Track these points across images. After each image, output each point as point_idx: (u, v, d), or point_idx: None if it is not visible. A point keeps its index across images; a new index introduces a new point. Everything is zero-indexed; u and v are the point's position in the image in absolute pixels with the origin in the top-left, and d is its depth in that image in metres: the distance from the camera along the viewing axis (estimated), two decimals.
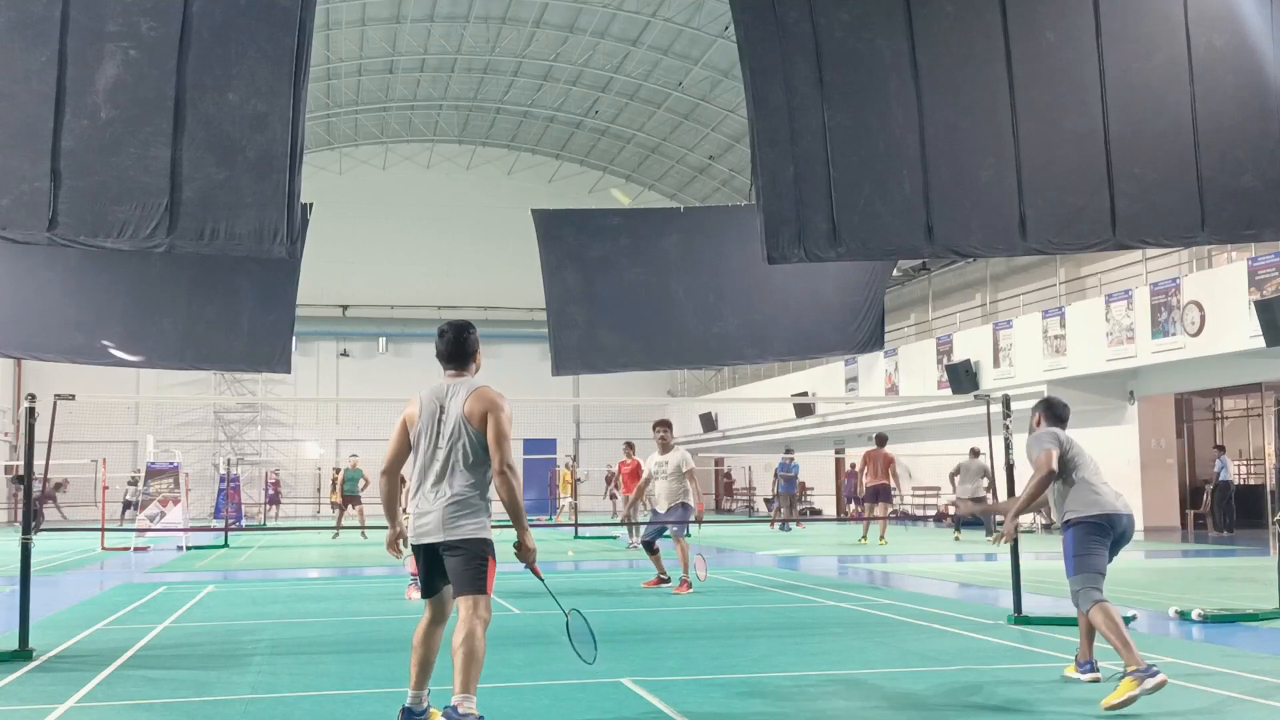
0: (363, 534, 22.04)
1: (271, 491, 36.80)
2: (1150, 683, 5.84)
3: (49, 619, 10.21)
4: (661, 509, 12.35)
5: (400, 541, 5.61)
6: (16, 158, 7.61)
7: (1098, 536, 6.58)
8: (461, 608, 5.14)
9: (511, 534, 5.33)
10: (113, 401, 35.98)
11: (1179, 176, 8.69)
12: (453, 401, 5.29)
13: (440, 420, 5.29)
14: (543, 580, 5.57)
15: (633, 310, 12.95)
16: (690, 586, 12.08)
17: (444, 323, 5.56)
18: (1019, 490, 10.49)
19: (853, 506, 33.96)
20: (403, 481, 5.76)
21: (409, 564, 13.45)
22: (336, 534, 24.22)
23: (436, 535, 5.19)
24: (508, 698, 6.25)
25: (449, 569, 5.22)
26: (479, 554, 5.17)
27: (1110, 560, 6.65)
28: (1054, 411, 7.18)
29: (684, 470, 12.22)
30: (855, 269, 12.59)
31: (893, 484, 21.21)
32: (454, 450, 5.23)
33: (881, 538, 20.82)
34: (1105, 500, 6.60)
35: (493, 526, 5.30)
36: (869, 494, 21.26)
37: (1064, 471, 6.69)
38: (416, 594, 11.80)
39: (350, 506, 24.54)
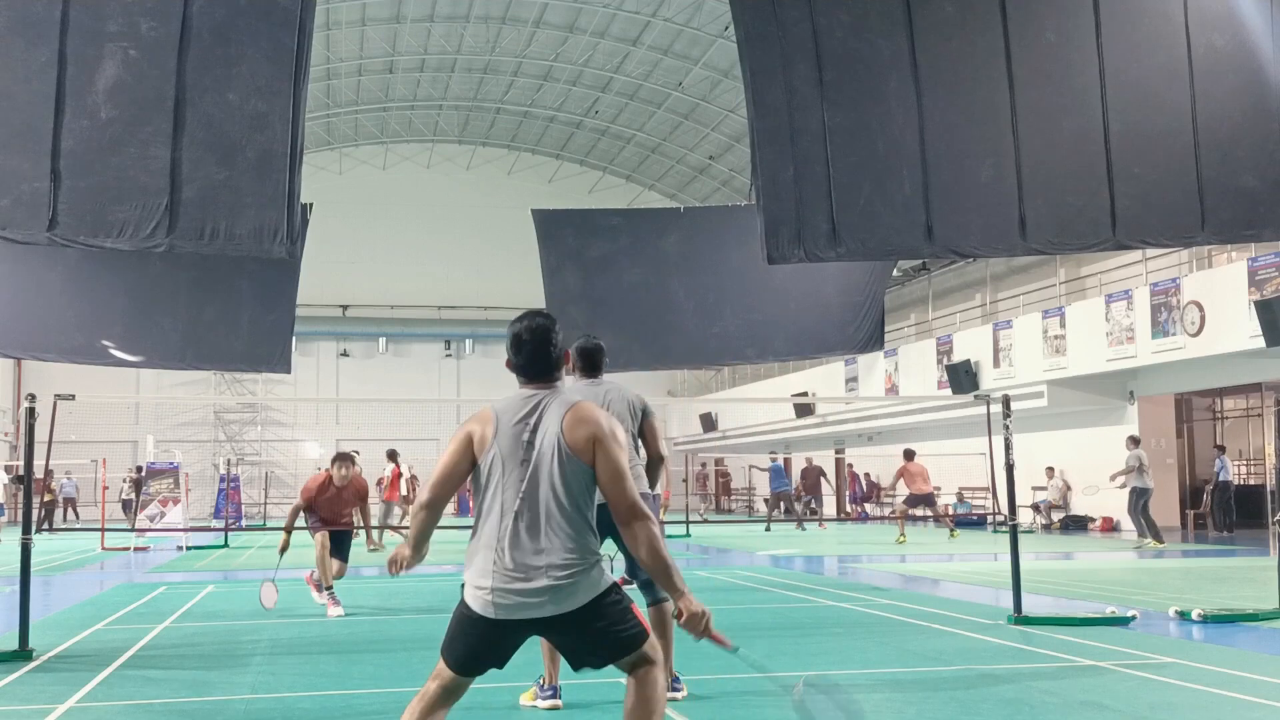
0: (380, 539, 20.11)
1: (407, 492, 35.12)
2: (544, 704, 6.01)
3: (49, 619, 10.21)
4: None
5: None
6: (16, 158, 7.61)
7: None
8: (634, 667, 3.82)
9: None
10: (113, 401, 35.99)
11: (1179, 176, 8.69)
12: (545, 422, 3.85)
13: (529, 446, 3.83)
14: (734, 650, 4.09)
15: (633, 310, 12.95)
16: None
17: (518, 322, 4.03)
18: (1018, 491, 10.48)
19: (851, 508, 34.33)
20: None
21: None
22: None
23: (538, 609, 3.74)
24: (508, 697, 6.25)
25: (586, 644, 3.83)
26: (616, 600, 3.82)
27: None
28: (589, 359, 6.22)
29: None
30: (855, 269, 12.59)
31: (916, 488, 22.01)
32: (552, 491, 3.79)
33: (954, 532, 22.37)
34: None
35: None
36: (916, 501, 21.98)
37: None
38: (338, 610, 10.51)
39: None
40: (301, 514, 10.82)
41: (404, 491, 23.86)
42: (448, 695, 3.90)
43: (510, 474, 3.82)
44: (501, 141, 44.20)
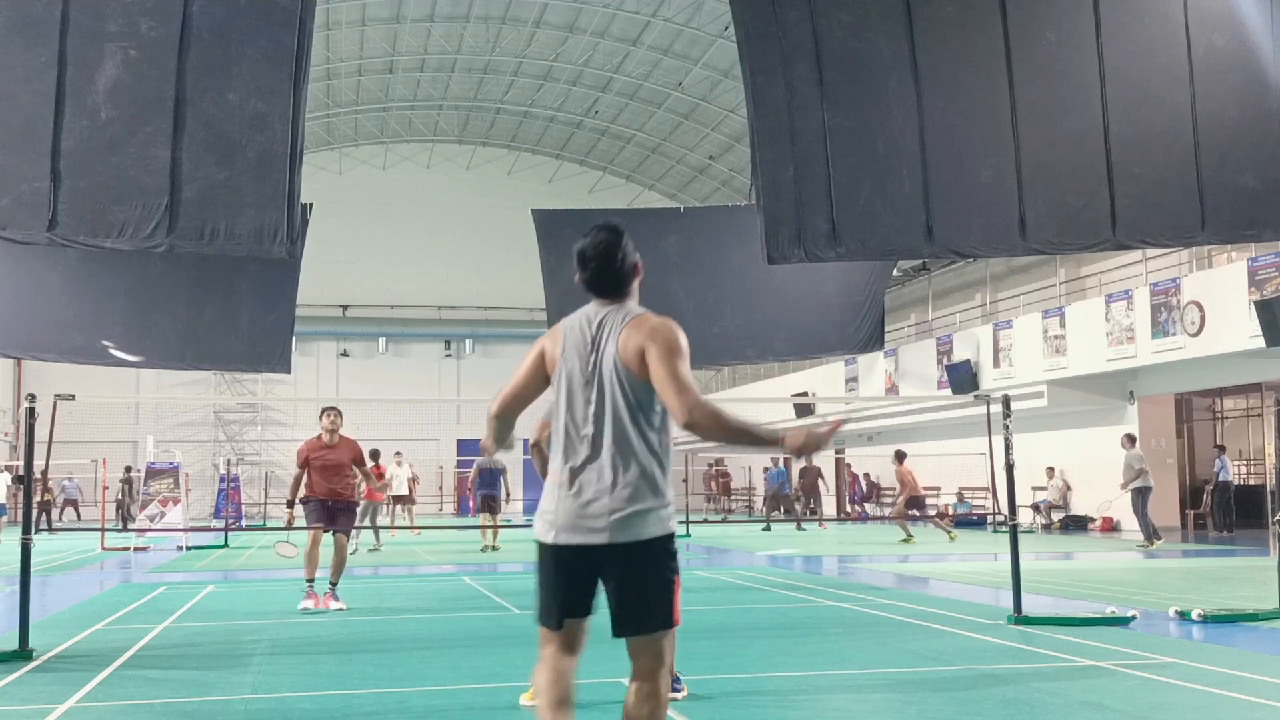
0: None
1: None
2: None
3: (49, 619, 10.21)
4: None
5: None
6: (16, 158, 7.62)
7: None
8: (644, 656, 3.66)
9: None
10: (113, 401, 35.98)
11: (1179, 176, 8.69)
12: (607, 339, 3.68)
13: (594, 366, 3.67)
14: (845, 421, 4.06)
15: None
16: None
17: (583, 239, 3.80)
18: (1018, 491, 10.46)
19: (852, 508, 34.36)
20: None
21: (285, 549, 12.34)
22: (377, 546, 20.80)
23: (597, 535, 3.57)
24: (508, 697, 6.25)
25: (631, 592, 3.62)
26: (674, 553, 3.67)
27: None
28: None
29: None
30: (855, 269, 12.60)
31: (910, 492, 22.40)
32: (616, 413, 3.63)
33: (951, 535, 22.46)
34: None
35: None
36: (913, 503, 22.59)
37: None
38: (309, 603, 10.48)
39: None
40: (303, 516, 10.86)
41: (404, 490, 23.84)
42: (565, 651, 3.73)
43: (578, 394, 3.67)
44: (501, 141, 44.21)
